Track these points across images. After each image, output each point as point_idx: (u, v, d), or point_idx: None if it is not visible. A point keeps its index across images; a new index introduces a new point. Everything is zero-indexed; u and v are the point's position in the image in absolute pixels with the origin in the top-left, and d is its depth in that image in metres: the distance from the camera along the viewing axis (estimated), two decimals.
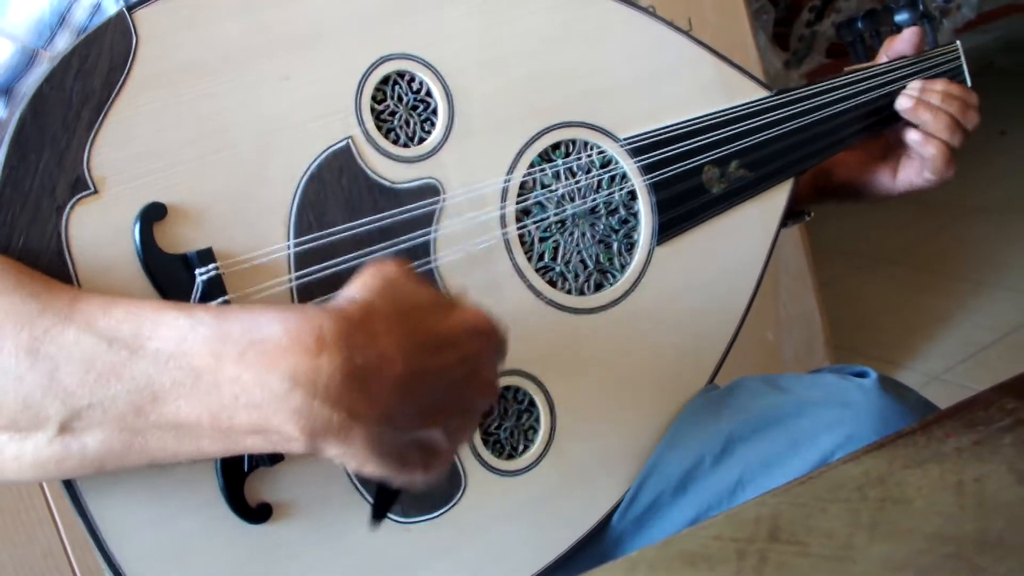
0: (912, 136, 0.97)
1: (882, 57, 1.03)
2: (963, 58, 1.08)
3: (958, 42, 1.03)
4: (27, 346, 0.54)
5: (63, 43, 0.68)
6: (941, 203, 2.84)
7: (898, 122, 0.99)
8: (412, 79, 0.77)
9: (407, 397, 0.57)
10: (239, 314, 0.56)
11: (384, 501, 0.70)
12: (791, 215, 1.00)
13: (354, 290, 0.59)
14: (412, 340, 0.57)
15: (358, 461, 0.57)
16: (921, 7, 1.03)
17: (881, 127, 1.00)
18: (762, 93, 0.94)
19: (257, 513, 0.67)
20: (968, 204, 2.86)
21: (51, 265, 0.61)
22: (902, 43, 1.01)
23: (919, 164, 0.99)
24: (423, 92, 0.77)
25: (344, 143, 0.73)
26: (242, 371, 0.54)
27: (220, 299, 0.66)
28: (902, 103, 0.98)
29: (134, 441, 0.55)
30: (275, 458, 0.67)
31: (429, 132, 0.77)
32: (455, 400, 0.61)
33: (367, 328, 0.56)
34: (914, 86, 0.98)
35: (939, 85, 0.98)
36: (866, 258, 2.71)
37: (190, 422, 0.55)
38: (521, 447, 0.80)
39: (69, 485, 0.62)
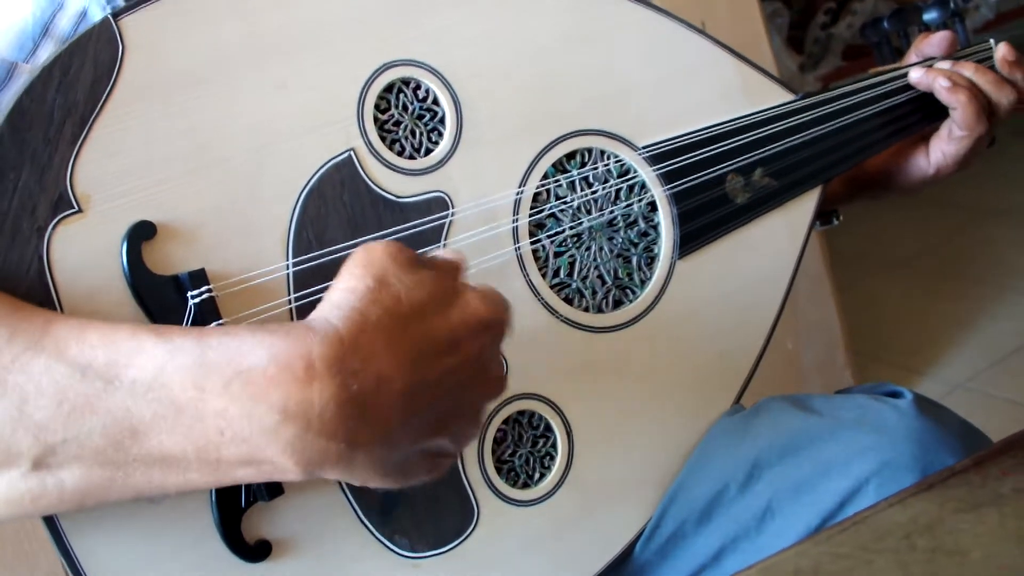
0: (940, 83, 0.91)
1: (911, 57, 0.98)
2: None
3: (991, 39, 0.98)
4: None
5: (46, 55, 0.65)
6: (958, 205, 2.80)
7: (931, 123, 0.95)
8: (418, 86, 0.73)
9: (409, 414, 0.54)
10: (222, 339, 0.52)
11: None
12: (820, 215, 0.96)
13: (342, 296, 0.54)
14: (411, 351, 0.54)
15: (360, 481, 0.55)
16: (952, 5, 0.98)
17: (913, 130, 0.95)
18: (786, 97, 0.90)
19: (255, 551, 0.64)
20: (986, 206, 2.82)
21: (32, 290, 0.58)
22: (931, 47, 0.96)
23: (947, 128, 0.94)
24: (429, 100, 0.74)
25: (346, 155, 0.69)
26: (227, 404, 0.51)
27: (215, 323, 0.62)
28: (914, 75, 0.93)
29: (115, 476, 0.52)
30: (273, 492, 0.64)
31: (436, 142, 0.73)
32: (461, 405, 0.57)
33: (360, 347, 0.52)
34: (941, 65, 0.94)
35: (969, 65, 0.93)
36: (884, 262, 2.67)
37: (175, 455, 0.52)
38: (537, 475, 0.76)
39: (51, 523, 0.58)
